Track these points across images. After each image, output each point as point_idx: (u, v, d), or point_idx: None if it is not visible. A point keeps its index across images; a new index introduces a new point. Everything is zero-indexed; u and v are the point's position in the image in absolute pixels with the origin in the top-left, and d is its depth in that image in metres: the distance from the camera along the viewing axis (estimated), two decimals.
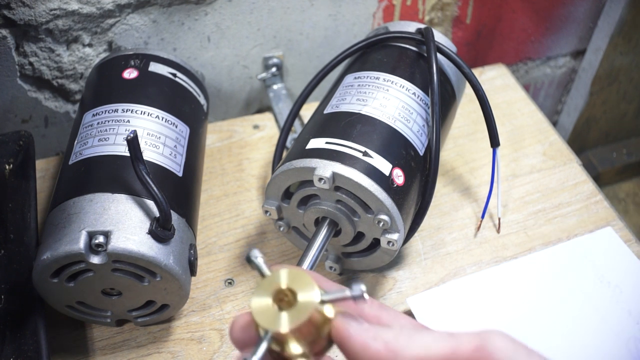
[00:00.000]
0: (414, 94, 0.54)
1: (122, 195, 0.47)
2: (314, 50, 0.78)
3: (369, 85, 0.54)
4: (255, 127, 0.72)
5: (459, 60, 0.56)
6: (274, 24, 0.73)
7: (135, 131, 0.44)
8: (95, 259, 0.45)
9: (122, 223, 0.46)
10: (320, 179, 0.48)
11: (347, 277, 0.58)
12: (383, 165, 0.49)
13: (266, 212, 0.54)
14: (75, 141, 0.52)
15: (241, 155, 0.69)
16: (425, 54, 0.56)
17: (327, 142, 0.50)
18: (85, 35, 0.66)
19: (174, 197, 0.50)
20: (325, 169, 0.48)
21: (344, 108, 0.53)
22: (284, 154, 0.61)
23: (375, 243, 0.53)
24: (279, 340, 0.31)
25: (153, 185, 0.45)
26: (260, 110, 0.82)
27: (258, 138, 0.71)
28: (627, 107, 1.04)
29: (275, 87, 0.77)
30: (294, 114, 0.61)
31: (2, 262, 0.52)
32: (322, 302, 0.31)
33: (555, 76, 0.99)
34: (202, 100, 0.61)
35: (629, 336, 0.53)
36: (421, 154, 0.53)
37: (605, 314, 0.55)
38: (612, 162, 1.07)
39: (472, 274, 0.58)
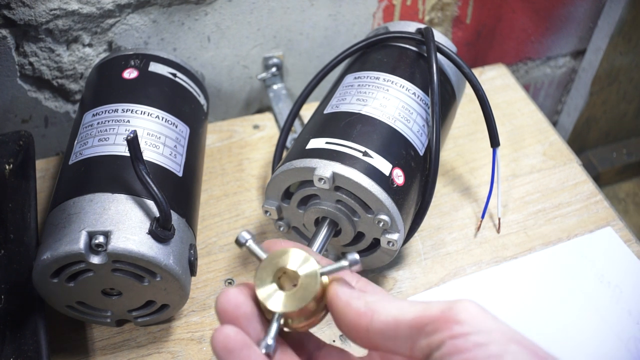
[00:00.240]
0: (414, 94, 0.54)
1: (122, 195, 0.47)
2: (314, 50, 0.78)
3: (369, 85, 0.54)
4: (255, 127, 0.72)
5: (459, 60, 0.56)
6: (274, 24, 0.73)
7: (135, 131, 0.44)
8: (95, 259, 0.45)
9: (122, 223, 0.46)
10: (320, 179, 0.48)
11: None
12: (383, 165, 0.49)
13: (266, 212, 0.54)
14: (75, 141, 0.52)
15: (241, 155, 0.69)
16: (425, 54, 0.56)
17: (327, 142, 0.50)
18: (85, 35, 0.66)
19: (174, 197, 0.50)
20: (325, 169, 0.48)
21: (344, 108, 0.53)
22: (284, 154, 0.61)
23: (375, 243, 0.53)
24: (286, 318, 0.33)
25: (153, 185, 0.45)
26: (260, 110, 0.82)
27: (258, 138, 0.71)
28: (627, 107, 1.04)
29: (275, 87, 0.77)
30: (294, 114, 0.61)
31: (2, 262, 0.52)
32: (321, 275, 0.34)
33: (555, 76, 0.99)
34: (202, 100, 0.61)
35: (629, 336, 0.53)
36: (421, 154, 0.53)
37: (605, 314, 0.55)
38: (612, 162, 1.07)
39: (472, 274, 0.58)
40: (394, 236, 0.50)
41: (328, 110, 0.54)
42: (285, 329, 0.34)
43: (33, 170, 0.56)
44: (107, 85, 0.56)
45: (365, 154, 0.49)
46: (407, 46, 0.58)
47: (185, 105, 0.57)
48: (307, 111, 0.68)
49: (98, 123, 0.52)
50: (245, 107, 0.81)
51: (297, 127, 0.70)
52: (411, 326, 0.31)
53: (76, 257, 0.45)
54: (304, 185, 0.51)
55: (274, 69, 0.77)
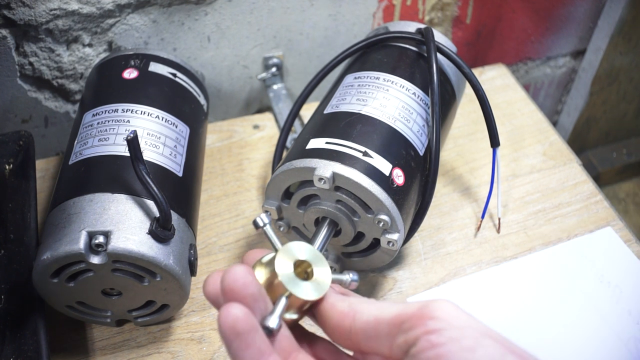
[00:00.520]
0: (414, 94, 0.54)
1: (122, 195, 0.47)
2: (314, 50, 0.78)
3: (369, 85, 0.54)
4: (255, 127, 0.72)
5: (459, 60, 0.56)
6: (274, 24, 0.73)
7: (135, 131, 0.44)
8: (95, 259, 0.45)
9: (122, 223, 0.46)
10: (321, 179, 0.48)
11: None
12: (383, 165, 0.49)
13: (266, 212, 0.54)
14: (75, 141, 0.52)
15: (241, 155, 0.69)
16: (425, 54, 0.56)
17: (327, 142, 0.50)
18: (85, 35, 0.66)
19: (174, 197, 0.50)
20: (326, 169, 0.48)
21: (344, 108, 0.53)
22: (284, 154, 0.61)
23: (375, 243, 0.53)
24: (289, 305, 0.35)
25: (153, 185, 0.45)
26: (260, 110, 0.82)
27: (258, 138, 0.71)
28: (627, 107, 1.04)
29: (275, 87, 0.77)
30: (294, 114, 0.61)
31: (2, 262, 0.52)
32: None
33: (555, 76, 0.99)
34: (202, 100, 0.61)
35: (629, 336, 0.53)
36: (421, 154, 0.53)
37: (605, 314, 0.55)
38: (612, 162, 1.07)
39: (472, 274, 0.58)
40: (394, 236, 0.50)
41: (328, 110, 0.54)
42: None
43: (33, 170, 0.56)
44: (107, 85, 0.56)
45: (365, 154, 0.49)
46: (407, 46, 0.58)
47: (185, 105, 0.57)
48: (307, 111, 0.68)
49: (98, 123, 0.52)
50: (245, 107, 0.81)
51: (297, 127, 0.70)
52: (390, 324, 0.33)
53: (76, 257, 0.45)
54: (304, 185, 0.51)
55: (274, 69, 0.77)
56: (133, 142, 0.44)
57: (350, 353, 0.37)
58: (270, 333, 0.32)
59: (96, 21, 0.65)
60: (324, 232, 0.51)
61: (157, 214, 0.47)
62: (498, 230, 0.62)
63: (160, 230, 0.46)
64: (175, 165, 0.52)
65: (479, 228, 0.62)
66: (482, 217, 0.63)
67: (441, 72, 0.58)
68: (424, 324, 0.31)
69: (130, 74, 0.57)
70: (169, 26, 0.68)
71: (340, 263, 0.56)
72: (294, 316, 0.36)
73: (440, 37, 0.59)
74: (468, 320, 0.31)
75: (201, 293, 0.57)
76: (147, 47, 0.69)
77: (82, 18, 0.64)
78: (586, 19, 0.91)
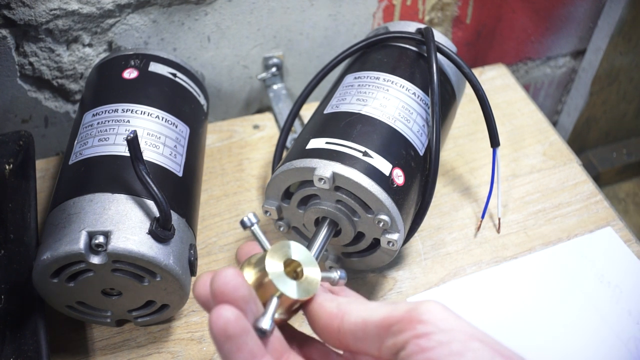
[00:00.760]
0: (414, 94, 0.54)
1: (122, 195, 0.47)
2: (314, 50, 0.78)
3: (369, 85, 0.54)
4: (255, 127, 0.72)
5: (459, 60, 0.56)
6: (274, 24, 0.73)
7: (135, 131, 0.44)
8: (95, 259, 0.45)
9: (122, 223, 0.46)
10: (321, 179, 0.48)
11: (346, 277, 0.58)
12: (383, 165, 0.49)
13: (266, 212, 0.54)
14: (75, 141, 0.52)
15: (241, 155, 0.69)
16: (425, 54, 0.56)
17: (327, 142, 0.50)
18: (85, 35, 0.66)
19: (174, 197, 0.50)
20: (326, 169, 0.48)
21: (344, 108, 0.53)
22: (284, 154, 0.61)
23: (375, 243, 0.53)
24: (280, 305, 0.34)
25: (153, 185, 0.45)
26: (260, 110, 0.82)
27: (258, 138, 0.71)
28: (627, 107, 1.04)
29: (275, 87, 0.77)
30: (294, 114, 0.61)
31: (2, 262, 0.52)
32: None
33: (555, 76, 0.99)
34: (202, 100, 0.61)
35: (629, 336, 0.53)
36: (421, 154, 0.53)
37: (605, 314, 0.55)
38: (612, 162, 1.07)
39: (472, 274, 0.58)
40: (394, 236, 0.50)
41: (328, 110, 0.54)
42: None
43: (33, 170, 0.56)
44: (107, 85, 0.56)
45: (365, 154, 0.49)
46: (407, 46, 0.58)
47: (185, 105, 0.57)
48: (307, 111, 0.68)
49: (98, 123, 0.52)
50: (245, 107, 0.81)
51: (297, 127, 0.70)
52: (378, 327, 0.33)
53: (76, 257, 0.45)
54: (304, 185, 0.51)
55: (274, 69, 0.77)
56: (133, 142, 0.44)
57: (341, 352, 0.37)
58: (263, 334, 0.32)
59: (96, 21, 0.65)
60: (324, 232, 0.51)
61: (157, 214, 0.47)
62: (498, 230, 0.62)
63: (160, 230, 0.46)
64: (175, 165, 0.52)
65: (479, 228, 0.62)
66: (482, 217, 0.63)
67: (441, 72, 0.58)
68: (412, 327, 0.31)
69: (130, 74, 0.57)
70: (169, 26, 0.68)
71: (340, 263, 0.56)
72: (284, 316, 0.36)
73: (440, 37, 0.59)
74: (457, 323, 0.31)
75: None
76: (147, 47, 0.69)
77: (82, 18, 0.64)
78: (586, 19, 0.91)
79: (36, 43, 0.64)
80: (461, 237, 0.62)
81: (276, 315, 0.35)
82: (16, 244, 0.53)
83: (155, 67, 0.58)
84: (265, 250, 0.36)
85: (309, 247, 0.50)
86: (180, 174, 0.52)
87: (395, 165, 0.49)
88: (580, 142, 1.04)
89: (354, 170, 0.48)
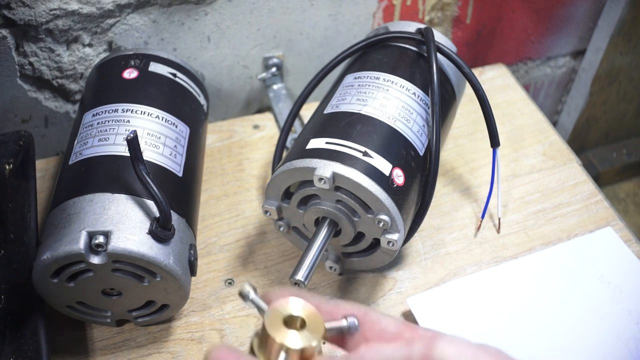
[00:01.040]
0: (414, 94, 0.54)
1: (122, 195, 0.47)
2: (314, 50, 0.78)
3: (369, 85, 0.54)
4: (255, 127, 0.72)
5: (459, 60, 0.56)
6: (274, 24, 0.73)
7: (135, 131, 0.44)
8: (95, 259, 0.45)
9: (122, 223, 0.46)
10: (321, 179, 0.48)
11: (347, 277, 0.58)
12: (383, 165, 0.49)
13: (266, 212, 0.54)
14: (75, 141, 0.52)
15: (241, 155, 0.69)
16: (425, 54, 0.56)
17: (327, 142, 0.50)
18: (85, 35, 0.66)
19: (174, 197, 0.50)
20: (326, 169, 0.48)
21: (344, 108, 0.53)
22: (284, 154, 0.61)
23: (376, 243, 0.53)
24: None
25: (153, 185, 0.45)
26: (260, 110, 0.82)
27: (258, 138, 0.71)
28: (627, 107, 1.04)
29: (275, 87, 0.77)
30: (294, 114, 0.61)
31: (2, 262, 0.52)
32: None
33: (555, 76, 0.99)
34: (202, 100, 0.61)
35: (629, 336, 0.53)
36: (421, 154, 0.53)
37: (605, 314, 0.55)
38: (612, 162, 1.07)
39: (472, 274, 0.58)
40: (394, 236, 0.50)
41: (328, 110, 0.54)
42: None
43: (33, 170, 0.57)
44: (107, 85, 0.56)
45: (365, 154, 0.49)
46: (407, 46, 0.58)
47: (185, 105, 0.57)
48: (307, 111, 0.68)
49: (98, 123, 0.52)
50: (245, 107, 0.81)
51: (297, 127, 0.70)
52: None
53: (76, 257, 0.45)
54: (304, 185, 0.51)
55: (274, 69, 0.77)
56: (133, 142, 0.44)
57: None
58: None
59: (96, 21, 0.65)
60: (324, 232, 0.51)
61: (157, 214, 0.47)
62: (498, 230, 0.62)
63: (160, 230, 0.46)
64: (175, 165, 0.52)
65: (479, 228, 0.62)
66: (482, 217, 0.63)
67: (441, 72, 0.58)
68: None
69: (130, 74, 0.57)
70: (169, 26, 0.68)
71: (340, 263, 0.56)
72: None
73: (440, 37, 0.59)
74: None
75: (201, 293, 0.57)
76: (147, 47, 0.69)
77: (82, 18, 0.64)
78: (586, 19, 0.91)
79: (36, 43, 0.64)
80: (461, 237, 0.62)
81: None
82: (16, 244, 0.53)
83: (155, 67, 0.58)
84: (263, 312, 0.35)
85: (308, 247, 0.50)
86: (180, 174, 0.52)
87: (395, 165, 0.49)
88: (580, 142, 1.04)
89: (354, 170, 0.48)
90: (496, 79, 0.79)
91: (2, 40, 0.63)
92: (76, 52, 0.66)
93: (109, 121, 0.52)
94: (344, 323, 0.35)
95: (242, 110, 0.81)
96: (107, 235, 0.45)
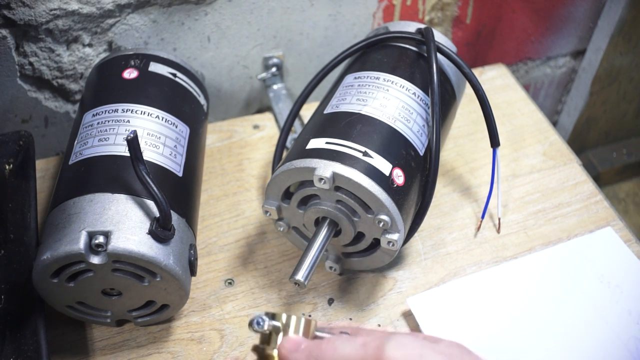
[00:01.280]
0: (414, 94, 0.54)
1: (122, 195, 0.47)
2: (314, 50, 0.78)
3: (369, 85, 0.54)
4: (255, 127, 0.72)
5: (459, 60, 0.56)
6: (274, 24, 0.73)
7: (135, 131, 0.44)
8: (95, 259, 0.45)
9: (122, 223, 0.46)
10: (321, 179, 0.48)
11: (347, 277, 0.58)
12: (383, 165, 0.49)
13: (266, 212, 0.54)
14: (75, 141, 0.52)
15: (241, 155, 0.69)
16: (425, 54, 0.56)
17: (327, 142, 0.50)
18: (85, 35, 0.66)
19: (174, 197, 0.50)
20: (326, 169, 0.48)
21: (344, 108, 0.53)
22: (284, 154, 0.61)
23: (376, 243, 0.53)
24: None
25: (153, 185, 0.45)
26: (260, 110, 0.82)
27: (258, 138, 0.71)
28: (627, 107, 1.04)
29: (275, 87, 0.77)
30: (294, 114, 0.61)
31: (2, 262, 0.52)
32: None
33: (555, 76, 0.99)
34: (202, 100, 0.61)
35: (629, 336, 0.53)
36: (421, 154, 0.53)
37: (605, 314, 0.55)
38: (612, 162, 1.07)
39: (472, 274, 0.58)
40: (394, 236, 0.50)
41: (328, 110, 0.54)
42: None
43: (33, 170, 0.57)
44: (107, 85, 0.56)
45: (365, 154, 0.49)
46: (407, 46, 0.58)
47: (185, 105, 0.57)
48: (307, 111, 0.68)
49: (98, 123, 0.52)
50: (245, 107, 0.81)
51: (297, 127, 0.70)
52: None
53: (76, 257, 0.45)
54: (304, 185, 0.51)
55: (274, 69, 0.77)
56: (133, 142, 0.44)
57: None
58: None
59: (96, 21, 0.65)
60: (324, 232, 0.51)
61: (157, 214, 0.47)
62: (498, 230, 0.62)
63: (160, 230, 0.46)
64: (175, 165, 0.52)
65: (479, 228, 0.62)
66: (482, 217, 0.63)
67: (441, 72, 0.58)
68: None
69: (130, 74, 0.57)
70: (169, 26, 0.68)
71: (340, 263, 0.56)
72: None
73: (440, 37, 0.59)
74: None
75: (201, 293, 0.57)
76: (147, 47, 0.69)
77: (82, 18, 0.64)
78: (586, 19, 0.91)
79: (36, 43, 0.64)
80: (461, 237, 0.62)
81: None
82: (16, 244, 0.53)
83: (155, 67, 0.58)
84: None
85: (308, 247, 0.50)
86: (180, 174, 0.52)
87: (395, 165, 0.49)
88: (580, 142, 1.04)
89: (354, 170, 0.48)
90: (496, 79, 0.79)
91: (2, 40, 0.63)
92: (76, 52, 0.66)
93: (109, 121, 0.52)
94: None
95: (242, 110, 0.81)
96: (107, 235, 0.45)
